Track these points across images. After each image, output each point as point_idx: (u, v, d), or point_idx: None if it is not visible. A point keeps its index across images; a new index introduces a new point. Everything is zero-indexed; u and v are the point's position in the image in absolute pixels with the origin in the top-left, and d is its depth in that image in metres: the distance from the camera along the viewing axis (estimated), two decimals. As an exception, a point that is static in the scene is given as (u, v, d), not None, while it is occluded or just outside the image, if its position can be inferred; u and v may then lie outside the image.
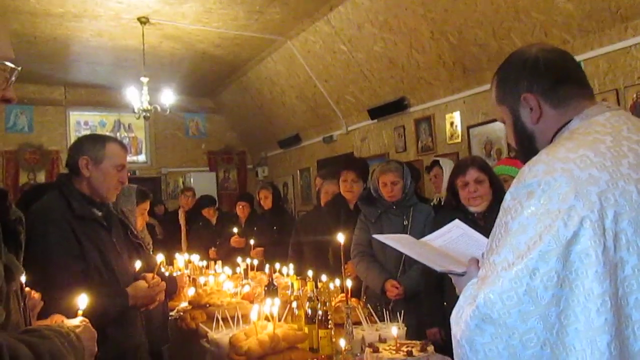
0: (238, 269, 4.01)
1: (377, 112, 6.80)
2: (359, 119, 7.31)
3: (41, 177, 8.62)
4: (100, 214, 2.28)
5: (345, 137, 7.73)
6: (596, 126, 1.12)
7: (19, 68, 1.07)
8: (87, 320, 1.22)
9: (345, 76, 6.87)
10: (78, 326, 1.14)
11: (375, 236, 1.85)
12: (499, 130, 5.17)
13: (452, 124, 5.81)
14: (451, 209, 2.92)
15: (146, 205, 3.55)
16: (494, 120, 5.22)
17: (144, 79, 6.56)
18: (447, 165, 4.44)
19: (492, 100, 1.34)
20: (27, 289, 1.25)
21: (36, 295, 1.40)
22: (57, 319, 1.34)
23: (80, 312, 1.28)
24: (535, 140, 1.25)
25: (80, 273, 2.07)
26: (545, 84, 1.21)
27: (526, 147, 1.27)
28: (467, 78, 5.46)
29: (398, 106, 6.43)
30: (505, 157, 4.63)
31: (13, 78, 1.05)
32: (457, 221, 1.52)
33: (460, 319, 1.04)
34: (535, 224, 0.99)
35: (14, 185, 8.32)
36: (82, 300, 1.33)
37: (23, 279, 1.40)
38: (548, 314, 0.95)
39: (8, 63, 1.03)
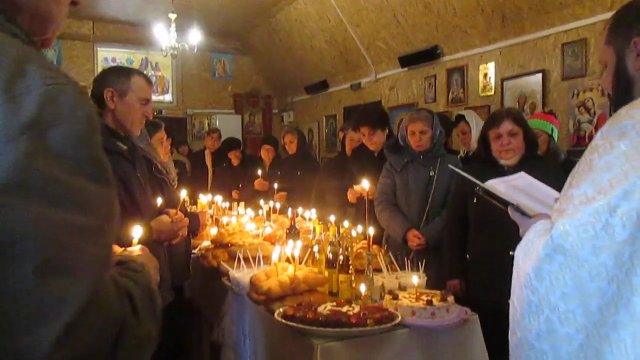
0: (261, 212, 4.02)
1: (408, 60, 6.61)
2: (389, 66, 7.12)
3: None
4: (125, 147, 2.27)
5: (374, 84, 7.57)
6: None
7: None
8: (146, 248, 1.20)
9: (377, 21, 6.64)
10: (141, 255, 1.12)
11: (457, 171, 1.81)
12: (534, 83, 4.99)
13: (485, 75, 5.62)
14: (480, 161, 2.85)
15: (161, 135, 3.52)
16: (530, 73, 5.04)
17: (172, 16, 6.46)
18: (474, 118, 4.31)
19: (601, 41, 1.30)
20: None
21: None
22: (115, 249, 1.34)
23: (135, 241, 1.26)
24: (633, 87, 1.23)
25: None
26: None
27: (621, 92, 1.24)
28: (506, 28, 5.23)
29: (430, 55, 6.23)
30: (540, 112, 4.47)
31: None
32: (522, 173, 1.56)
33: (530, 251, 1.06)
34: (623, 163, 0.99)
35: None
36: (137, 231, 1.32)
37: None
38: (622, 251, 0.97)
39: None
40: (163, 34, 6.54)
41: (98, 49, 9.21)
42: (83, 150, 0.74)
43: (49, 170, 0.68)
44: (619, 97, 1.25)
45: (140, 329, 0.78)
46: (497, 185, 1.50)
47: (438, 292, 2.16)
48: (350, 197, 3.71)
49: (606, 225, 0.96)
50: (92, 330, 0.69)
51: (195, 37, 6.77)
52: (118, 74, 2.26)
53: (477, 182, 1.51)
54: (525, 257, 1.07)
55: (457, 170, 1.76)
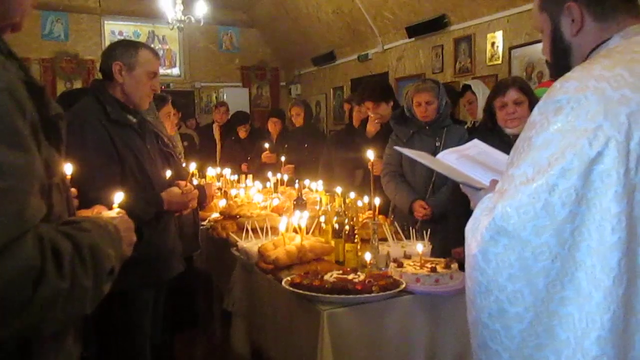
0: (268, 184, 4.07)
1: (415, 30, 6.54)
2: (396, 37, 7.05)
3: (77, 86, 8.67)
4: (134, 120, 2.30)
5: (381, 55, 7.50)
6: (636, 46, 1.08)
7: None
8: (123, 211, 1.25)
9: (384, -9, 6.56)
10: (115, 217, 1.18)
11: (397, 148, 1.86)
12: (541, 52, 4.93)
13: (493, 44, 5.57)
14: (486, 130, 2.85)
15: (168, 109, 3.55)
16: (538, 42, 4.97)
17: (177, -12, 6.41)
18: (480, 88, 4.29)
19: (534, 6, 1.27)
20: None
21: (72, 190, 1.43)
22: (97, 210, 1.38)
23: (115, 205, 1.31)
24: (570, 54, 1.21)
25: (117, 175, 2.12)
26: None
27: (560, 60, 1.23)
28: (514, -5, 5.15)
29: (437, 24, 6.16)
30: (548, 80, 4.43)
31: None
32: (475, 140, 1.55)
33: (477, 230, 1.06)
34: (560, 140, 0.98)
35: (51, 93, 8.44)
36: (118, 196, 1.37)
37: (68, 171, 1.44)
38: (562, 229, 0.97)
39: None
40: (169, 6, 6.50)
41: (105, 21, 9.16)
42: None
43: None
44: (558, 64, 1.23)
45: (63, 282, 0.85)
46: (448, 156, 1.50)
47: (442, 259, 2.21)
48: (376, 169, 3.50)
49: (546, 205, 0.96)
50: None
51: (202, 8, 6.72)
52: (126, 47, 2.28)
53: (421, 160, 1.52)
54: (473, 236, 1.07)
55: (400, 149, 1.75)
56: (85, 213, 1.38)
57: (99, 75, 2.37)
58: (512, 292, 1.00)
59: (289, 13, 8.79)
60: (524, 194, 0.98)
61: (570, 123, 0.98)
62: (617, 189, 0.95)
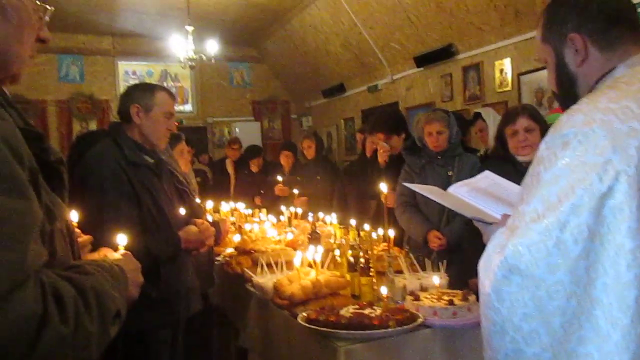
0: (282, 217, 4.07)
1: (423, 60, 6.61)
2: (405, 67, 7.12)
3: (93, 126, 8.86)
4: (152, 161, 2.35)
5: (391, 86, 7.57)
6: None
7: (52, 8, 1.08)
8: (129, 253, 1.26)
9: (391, 22, 6.66)
10: (120, 259, 1.18)
11: (407, 185, 1.86)
12: (547, 83, 4.94)
13: (501, 71, 5.59)
14: (498, 158, 2.85)
15: (182, 147, 3.60)
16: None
17: (189, 28, 6.57)
18: (491, 116, 4.29)
19: (537, 38, 1.27)
20: (77, 230, 1.29)
21: (86, 237, 1.45)
22: (103, 252, 1.40)
23: (120, 247, 1.31)
24: (576, 85, 1.20)
25: (134, 217, 2.15)
26: (596, 24, 1.15)
27: (566, 91, 1.22)
28: (519, 22, 5.20)
29: (445, 53, 6.22)
30: (559, 106, 4.43)
31: (47, 17, 1.07)
32: (486, 172, 1.52)
33: (489, 268, 1.04)
34: (569, 175, 0.97)
35: (67, 133, 8.62)
36: (122, 238, 1.37)
37: (75, 218, 1.46)
38: (576, 267, 0.94)
39: (40, 2, 1.05)
40: (181, 45, 6.65)
41: (119, 62, 9.40)
42: None
43: None
44: (565, 95, 1.22)
45: (66, 327, 0.84)
46: (459, 189, 1.47)
47: (459, 291, 2.18)
48: (390, 202, 3.51)
49: (558, 242, 0.94)
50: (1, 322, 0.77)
51: (213, 47, 6.87)
52: (143, 90, 2.36)
53: (431, 195, 1.51)
54: (485, 274, 1.05)
55: (410, 185, 1.74)
56: (91, 256, 1.39)
57: (115, 115, 2.44)
58: (528, 332, 0.98)
59: (297, 48, 8.94)
60: (535, 231, 0.97)
61: (578, 158, 0.97)
62: (630, 224, 0.93)
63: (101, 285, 0.96)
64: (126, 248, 1.40)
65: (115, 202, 2.12)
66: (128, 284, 1.10)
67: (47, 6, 1.07)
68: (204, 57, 6.75)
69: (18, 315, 0.79)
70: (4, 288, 0.78)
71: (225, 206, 4.58)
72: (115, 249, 1.35)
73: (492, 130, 4.07)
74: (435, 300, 2.10)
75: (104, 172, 2.15)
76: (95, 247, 1.44)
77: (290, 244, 3.29)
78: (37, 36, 1.06)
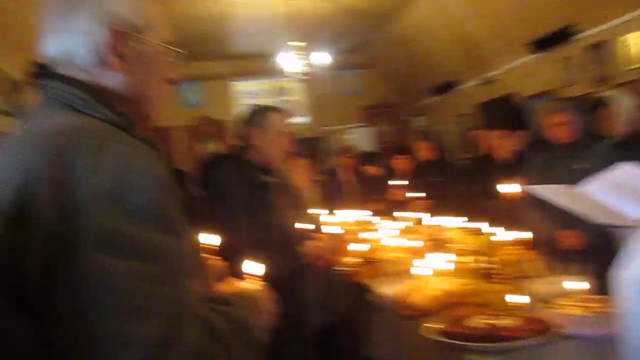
0: (402, 223, 4.00)
1: (539, 45, 6.19)
2: (519, 55, 6.72)
3: (212, 146, 9.44)
4: (272, 180, 2.44)
5: (505, 76, 7.20)
6: None
7: (182, 51, 1.14)
8: (265, 283, 1.29)
9: (502, 9, 6.33)
10: (259, 290, 1.21)
11: (530, 191, 1.72)
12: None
13: (632, 47, 5.07)
14: (637, 146, 2.57)
15: (299, 161, 3.67)
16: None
17: (297, 44, 6.77)
18: (620, 98, 3.87)
19: None
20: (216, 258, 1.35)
21: (222, 263, 1.49)
22: (232, 282, 1.44)
23: (258, 276, 1.34)
24: None
25: (261, 241, 2.23)
26: None
27: None
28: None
29: (564, 35, 5.77)
30: None
31: (176, 60, 1.13)
32: (620, 165, 1.37)
33: (637, 282, 0.95)
34: None
35: (190, 154, 9.26)
36: (260, 268, 1.40)
37: (217, 242, 1.53)
38: None
39: (172, 47, 1.10)
40: (290, 61, 6.88)
41: (233, 83, 9.95)
42: (151, 208, 0.84)
43: (122, 227, 0.80)
44: None
45: None
46: (589, 187, 1.32)
47: (604, 297, 1.98)
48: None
49: None
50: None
51: (321, 58, 7.02)
52: (258, 112, 2.48)
53: (556, 200, 1.36)
54: (630, 287, 0.96)
55: (533, 191, 1.58)
56: (222, 286, 1.43)
57: (231, 135, 2.60)
58: None
59: (404, 48, 8.84)
60: None
61: None
62: None
63: (247, 318, 0.98)
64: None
65: (243, 226, 2.22)
66: (267, 315, 1.13)
67: (178, 49, 1.13)
68: (313, 69, 6.91)
69: (190, 351, 0.80)
70: (173, 330, 0.78)
71: (343, 215, 4.60)
72: (242, 276, 1.38)
73: (623, 115, 3.68)
74: (577, 308, 1.93)
75: (228, 197, 2.28)
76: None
77: (412, 251, 3.22)
78: (166, 78, 1.12)
